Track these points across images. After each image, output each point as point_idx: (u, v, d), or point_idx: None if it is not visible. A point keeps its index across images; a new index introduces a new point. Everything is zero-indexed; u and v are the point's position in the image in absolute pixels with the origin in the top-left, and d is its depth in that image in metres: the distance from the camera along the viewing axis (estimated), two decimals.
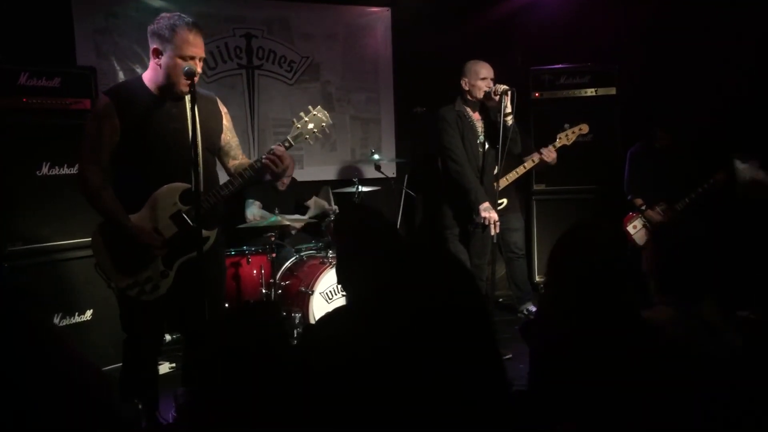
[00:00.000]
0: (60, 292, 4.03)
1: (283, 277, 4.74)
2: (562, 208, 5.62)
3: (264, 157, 2.99)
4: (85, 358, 1.19)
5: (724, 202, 4.96)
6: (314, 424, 1.34)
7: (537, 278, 5.68)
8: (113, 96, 2.91)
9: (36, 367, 1.11)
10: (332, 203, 5.60)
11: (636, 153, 5.27)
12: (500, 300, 5.53)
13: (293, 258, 4.86)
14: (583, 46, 5.78)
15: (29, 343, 1.14)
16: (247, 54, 5.71)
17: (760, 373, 1.96)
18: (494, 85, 4.34)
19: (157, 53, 2.87)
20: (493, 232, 4.31)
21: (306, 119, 3.12)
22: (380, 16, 6.27)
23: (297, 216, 5.07)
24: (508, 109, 4.22)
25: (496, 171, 4.37)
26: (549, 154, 4.64)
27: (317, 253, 4.89)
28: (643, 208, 5.16)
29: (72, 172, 3.95)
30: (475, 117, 4.52)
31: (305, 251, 4.96)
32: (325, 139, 5.99)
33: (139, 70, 3.03)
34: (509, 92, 4.19)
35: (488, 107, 4.49)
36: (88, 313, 4.14)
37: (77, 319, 4.09)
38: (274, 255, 4.65)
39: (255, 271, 4.67)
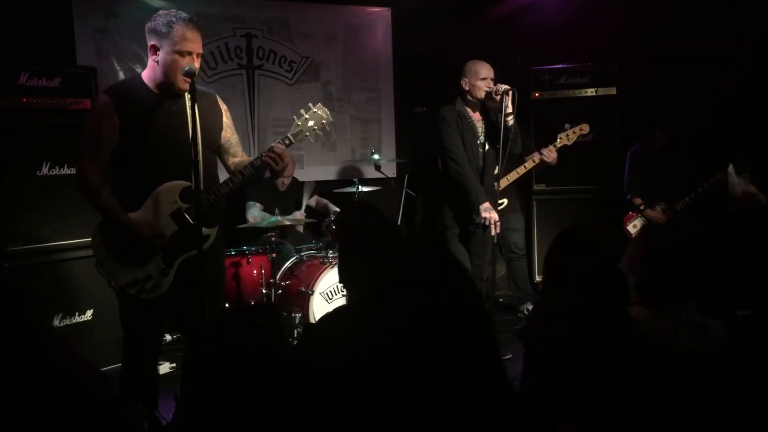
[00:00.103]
0: (60, 292, 4.03)
1: (284, 277, 4.74)
2: (563, 208, 5.62)
3: (264, 154, 2.99)
4: (85, 358, 1.20)
5: (724, 201, 4.96)
6: (314, 425, 1.34)
7: (537, 278, 5.68)
8: (113, 94, 2.90)
9: (36, 367, 1.11)
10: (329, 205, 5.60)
11: (636, 153, 5.27)
12: (500, 300, 5.53)
13: (293, 258, 4.86)
14: (583, 46, 5.78)
15: (29, 344, 1.14)
16: (247, 54, 5.71)
17: (758, 371, 1.96)
18: (494, 85, 4.34)
19: (155, 50, 2.86)
20: (493, 233, 4.31)
21: (306, 116, 3.12)
22: (380, 16, 6.27)
23: (297, 216, 5.07)
24: (509, 109, 4.21)
25: (496, 171, 4.37)
26: (549, 154, 4.64)
27: (317, 253, 4.89)
28: (643, 207, 5.16)
29: (72, 172, 3.95)
30: (476, 117, 4.52)
31: (305, 251, 4.96)
32: (326, 138, 6.00)
33: (139, 70, 3.03)
34: (510, 92, 4.19)
35: (488, 107, 4.49)
36: (89, 313, 4.14)
37: (78, 319, 4.09)
38: (274, 255, 4.65)
39: (255, 271, 4.67)
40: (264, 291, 4.62)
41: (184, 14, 2.88)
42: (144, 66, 2.99)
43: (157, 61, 2.87)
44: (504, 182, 4.53)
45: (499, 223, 4.30)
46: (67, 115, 4.02)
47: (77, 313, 4.09)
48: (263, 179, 4.96)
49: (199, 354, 1.40)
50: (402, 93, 6.37)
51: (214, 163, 3.16)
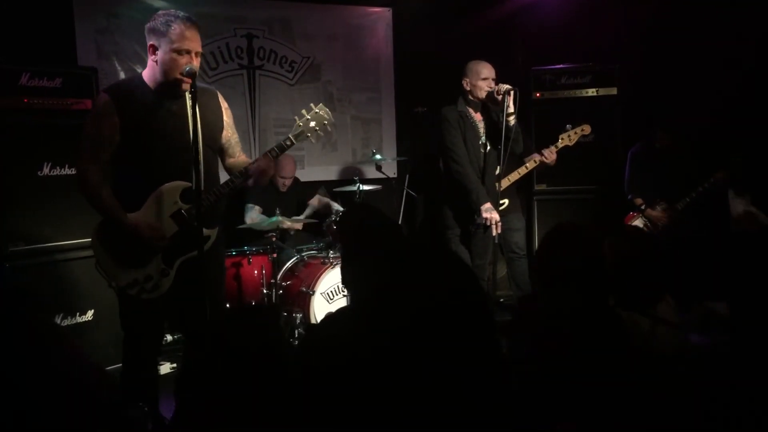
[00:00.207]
0: (61, 292, 4.03)
1: (284, 278, 4.74)
2: (563, 208, 5.62)
3: (249, 167, 2.99)
4: (88, 358, 1.20)
5: (724, 202, 4.97)
6: (315, 425, 1.35)
7: None
8: (113, 94, 2.89)
9: (38, 367, 1.11)
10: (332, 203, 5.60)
11: (636, 153, 5.27)
12: (501, 300, 5.52)
13: (294, 258, 4.86)
14: (583, 46, 5.78)
15: (31, 343, 1.14)
16: (248, 54, 5.71)
17: (750, 369, 1.96)
18: (496, 85, 4.33)
19: (154, 49, 2.86)
20: (495, 233, 4.31)
21: (308, 117, 3.12)
22: (381, 16, 6.27)
23: (298, 217, 5.07)
24: (511, 109, 4.21)
25: (497, 171, 4.37)
26: (549, 156, 4.63)
27: (318, 253, 4.89)
28: (644, 207, 5.16)
29: (73, 172, 3.94)
30: (477, 117, 4.52)
31: (306, 251, 4.96)
32: (326, 139, 6.00)
33: (140, 71, 3.02)
34: (512, 92, 4.18)
35: (489, 107, 4.49)
36: (89, 314, 4.14)
37: (78, 319, 4.10)
38: (275, 255, 4.65)
39: (256, 272, 4.67)
40: (265, 291, 4.63)
41: (182, 13, 2.88)
42: (145, 66, 2.98)
43: (156, 61, 2.86)
44: (505, 182, 4.53)
45: (500, 224, 4.30)
46: (68, 115, 4.02)
47: (78, 313, 4.09)
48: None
49: (199, 354, 1.40)
50: (403, 93, 6.37)
51: (215, 162, 3.15)
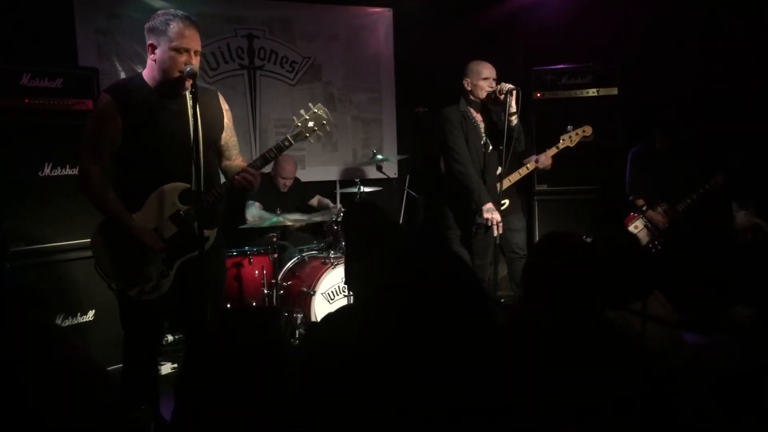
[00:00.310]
0: (62, 292, 4.02)
1: (285, 278, 4.74)
2: (564, 209, 5.62)
3: (235, 178, 2.98)
4: (91, 358, 1.19)
5: (725, 202, 4.96)
6: (316, 424, 1.34)
7: None
8: (114, 94, 2.89)
9: (40, 367, 1.11)
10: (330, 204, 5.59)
11: (637, 153, 5.27)
12: (502, 300, 5.52)
13: (295, 258, 4.86)
14: (584, 47, 5.77)
15: (33, 344, 1.14)
16: (248, 54, 5.71)
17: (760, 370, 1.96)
18: (497, 84, 4.33)
19: (153, 48, 2.86)
20: (496, 233, 4.30)
21: (306, 117, 3.10)
22: (382, 16, 6.28)
23: (298, 216, 5.06)
24: (513, 109, 4.20)
25: (499, 171, 4.37)
26: (544, 161, 4.66)
27: (319, 253, 4.89)
28: (644, 208, 5.16)
29: (74, 172, 3.95)
30: (478, 117, 4.52)
31: (307, 251, 4.96)
32: (327, 139, 6.00)
33: (140, 71, 3.02)
34: (514, 92, 4.18)
35: (489, 107, 4.48)
36: (90, 314, 4.14)
37: (79, 319, 4.09)
38: (275, 255, 4.65)
39: (257, 272, 4.67)
40: (266, 291, 4.62)
41: (181, 12, 2.88)
42: (145, 66, 2.98)
43: (155, 60, 2.85)
44: (506, 183, 4.53)
45: (501, 224, 4.29)
46: (69, 115, 4.01)
47: (79, 314, 4.09)
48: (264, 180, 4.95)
49: (199, 354, 1.40)
50: (403, 93, 6.37)
51: (215, 163, 3.14)
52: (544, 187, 5.68)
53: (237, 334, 1.40)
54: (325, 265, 4.60)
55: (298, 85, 5.93)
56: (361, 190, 5.23)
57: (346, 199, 5.63)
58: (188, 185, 2.90)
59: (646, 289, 2.27)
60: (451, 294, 1.31)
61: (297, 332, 4.49)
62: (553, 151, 4.75)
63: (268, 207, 5.10)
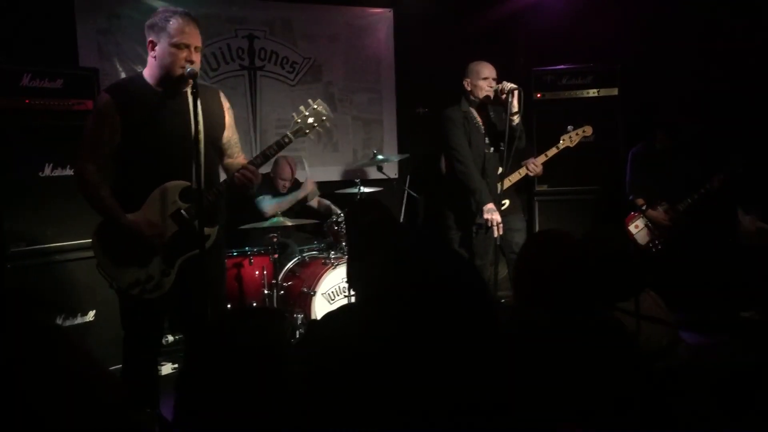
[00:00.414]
0: (63, 293, 4.02)
1: (286, 278, 4.74)
2: (565, 209, 5.61)
3: (236, 175, 2.98)
4: (95, 360, 1.19)
5: (725, 202, 4.97)
6: (318, 423, 1.34)
7: None
8: (113, 93, 2.89)
9: (41, 368, 1.11)
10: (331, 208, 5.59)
11: (638, 153, 5.28)
12: (503, 301, 5.52)
13: (295, 259, 4.86)
14: (584, 47, 5.78)
15: (34, 345, 1.14)
16: (249, 55, 5.72)
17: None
18: (498, 84, 4.33)
19: (153, 45, 2.86)
20: (496, 234, 4.30)
21: (306, 113, 3.09)
22: (382, 16, 6.28)
23: (300, 220, 5.08)
24: (515, 108, 4.20)
25: (500, 171, 4.37)
26: (534, 169, 4.68)
27: (319, 253, 4.89)
28: (645, 208, 5.16)
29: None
30: (479, 118, 4.52)
31: (307, 252, 4.96)
32: (327, 139, 6.01)
33: (141, 71, 3.03)
34: (516, 92, 4.18)
35: (489, 107, 4.48)
36: (91, 314, 4.14)
37: (80, 320, 4.09)
38: (276, 256, 4.65)
39: (257, 272, 4.67)
40: (266, 292, 4.62)
41: (181, 9, 2.89)
42: (146, 67, 2.98)
43: (156, 56, 2.86)
44: (506, 183, 4.53)
45: (501, 225, 4.29)
46: (70, 116, 4.01)
47: (79, 314, 4.09)
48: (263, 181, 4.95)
49: (199, 354, 1.40)
50: (404, 94, 6.38)
51: (216, 161, 3.14)
52: (545, 187, 5.68)
53: (237, 333, 1.40)
54: (326, 265, 4.60)
55: (299, 85, 5.94)
56: (361, 191, 5.23)
57: (347, 199, 5.62)
58: (189, 183, 2.91)
59: (634, 289, 2.27)
60: (451, 294, 1.31)
61: (297, 333, 4.49)
62: (553, 151, 4.75)
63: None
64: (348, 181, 5.91)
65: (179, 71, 2.82)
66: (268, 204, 5.09)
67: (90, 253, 3.01)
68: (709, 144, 5.09)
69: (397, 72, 6.35)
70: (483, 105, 4.44)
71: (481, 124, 4.47)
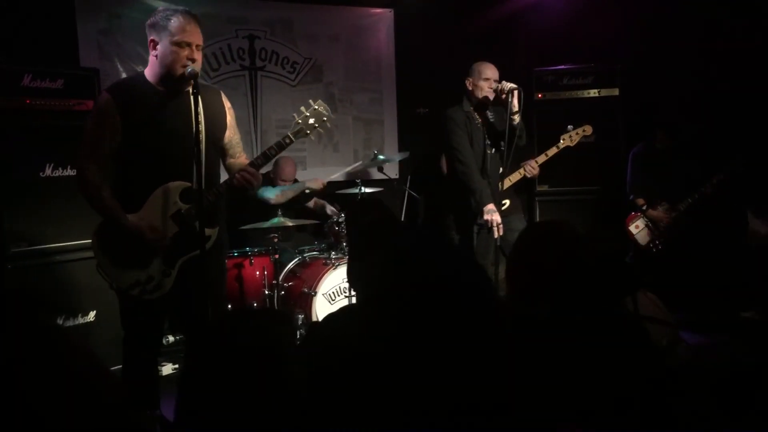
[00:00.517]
0: (63, 293, 4.03)
1: (286, 279, 4.74)
2: (565, 209, 5.61)
3: (236, 176, 2.98)
4: (94, 359, 1.19)
5: (726, 202, 4.97)
6: (317, 424, 1.35)
7: None
8: (114, 93, 2.88)
9: (41, 369, 1.11)
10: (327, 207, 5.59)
11: (638, 154, 5.28)
12: None
13: (296, 259, 4.86)
14: (585, 47, 5.78)
15: (35, 345, 1.14)
16: (249, 55, 5.72)
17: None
18: (498, 84, 4.33)
19: (154, 44, 2.85)
20: (496, 235, 4.30)
21: (307, 114, 3.09)
22: (383, 17, 6.28)
23: (301, 220, 5.08)
24: (515, 108, 4.21)
25: (501, 171, 4.37)
26: (531, 170, 4.68)
27: (320, 254, 4.88)
28: (645, 208, 5.16)
29: (75, 173, 3.94)
30: (480, 118, 4.52)
31: (308, 252, 4.96)
32: (328, 139, 6.01)
33: (142, 71, 3.02)
34: (515, 91, 4.18)
35: (489, 108, 4.48)
36: (91, 315, 4.14)
37: (80, 320, 4.10)
38: (276, 256, 4.65)
39: (258, 272, 4.67)
40: (266, 292, 4.62)
41: (182, 8, 2.88)
42: (146, 67, 2.98)
43: (157, 55, 2.85)
44: (506, 183, 4.53)
45: (501, 226, 4.29)
46: (70, 116, 4.02)
47: (80, 315, 4.10)
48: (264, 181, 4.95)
49: (199, 355, 1.40)
50: (404, 94, 6.37)
51: (217, 161, 3.14)
52: (545, 187, 5.68)
53: (237, 334, 1.40)
54: (326, 265, 4.60)
55: (299, 85, 5.94)
56: (362, 191, 5.23)
57: (347, 199, 5.62)
58: (188, 184, 2.90)
59: (629, 289, 2.26)
60: (451, 293, 1.31)
61: (298, 333, 4.49)
62: (553, 150, 4.75)
63: (269, 208, 5.09)
64: (349, 181, 5.90)
65: (180, 70, 2.81)
66: (272, 191, 5.08)
67: (90, 254, 3.01)
68: (709, 144, 5.09)
69: (397, 72, 6.35)
70: (483, 105, 4.44)
71: (481, 124, 4.47)
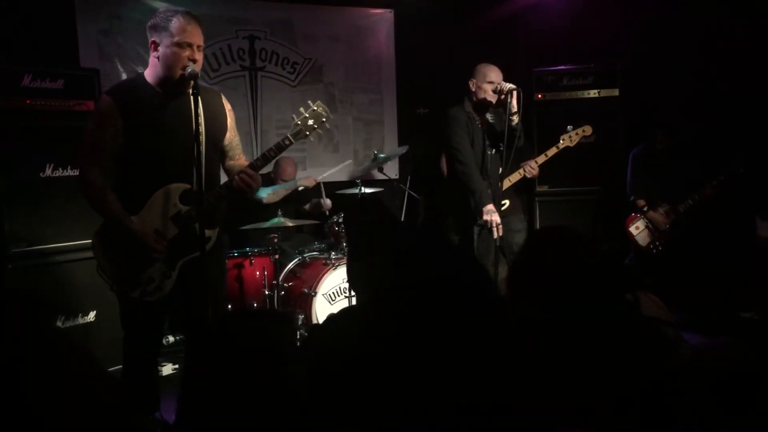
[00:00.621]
0: (63, 293, 4.02)
1: (286, 279, 4.74)
2: (565, 210, 5.61)
3: (236, 178, 2.97)
4: (94, 360, 1.19)
5: (727, 203, 4.97)
6: (318, 424, 1.35)
7: None
8: (115, 95, 2.88)
9: (41, 369, 1.11)
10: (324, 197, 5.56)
11: (638, 154, 5.28)
12: None
13: (296, 259, 4.85)
14: (585, 47, 5.78)
15: (35, 346, 1.14)
16: (250, 56, 5.72)
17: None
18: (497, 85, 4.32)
19: (155, 45, 2.85)
20: (496, 235, 4.30)
21: (306, 115, 3.08)
22: (383, 17, 6.28)
23: (301, 220, 5.07)
24: (514, 109, 4.20)
25: (500, 171, 4.37)
26: (531, 171, 4.67)
27: (320, 254, 4.88)
28: (645, 209, 5.16)
29: (75, 173, 3.94)
30: (480, 119, 4.52)
31: (308, 253, 4.96)
32: (328, 140, 6.01)
33: (142, 72, 3.02)
34: (515, 92, 4.18)
35: (490, 109, 4.48)
36: (92, 315, 4.14)
37: (81, 320, 4.10)
38: (276, 256, 4.65)
39: (258, 273, 4.67)
40: (267, 292, 4.62)
41: (183, 8, 2.89)
42: (147, 67, 2.98)
43: (158, 57, 2.85)
44: (506, 183, 4.53)
45: (501, 226, 4.29)
46: (70, 116, 4.02)
47: (80, 315, 4.09)
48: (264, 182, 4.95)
49: (200, 355, 1.40)
50: (404, 94, 6.38)
51: (217, 163, 3.14)
52: (545, 188, 5.68)
53: (237, 334, 1.40)
54: (326, 266, 4.60)
55: (300, 86, 5.94)
56: (362, 191, 5.23)
57: (347, 200, 5.62)
58: (188, 186, 2.90)
59: (627, 290, 2.25)
60: (451, 293, 1.31)
61: (298, 334, 4.49)
62: (553, 150, 4.74)
63: (269, 208, 5.10)
64: (349, 181, 5.90)
65: (181, 71, 2.82)
66: (264, 190, 5.08)
67: (91, 254, 3.01)
68: (710, 144, 5.09)
69: (397, 72, 6.35)
70: (484, 106, 4.44)
71: (481, 124, 4.47)
